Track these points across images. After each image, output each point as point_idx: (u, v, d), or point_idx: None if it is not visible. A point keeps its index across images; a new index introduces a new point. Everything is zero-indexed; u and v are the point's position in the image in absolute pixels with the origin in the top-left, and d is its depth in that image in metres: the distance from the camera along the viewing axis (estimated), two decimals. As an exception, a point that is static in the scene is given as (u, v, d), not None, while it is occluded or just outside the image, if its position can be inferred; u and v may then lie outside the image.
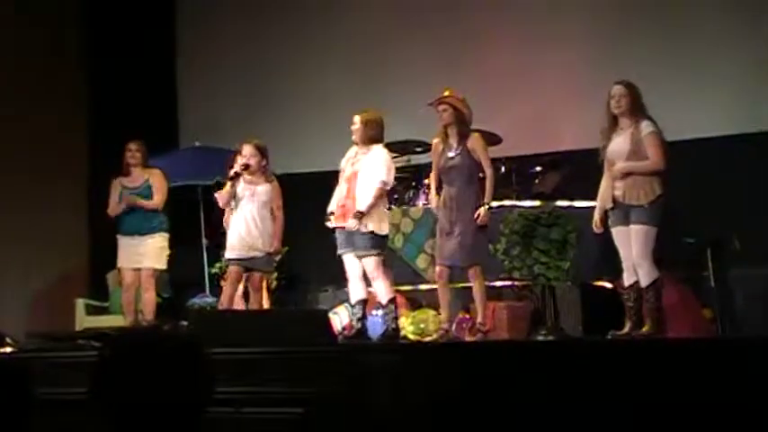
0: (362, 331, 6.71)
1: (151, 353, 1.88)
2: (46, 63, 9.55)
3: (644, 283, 5.93)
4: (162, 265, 7.68)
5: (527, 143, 8.33)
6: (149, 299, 7.60)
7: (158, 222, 7.62)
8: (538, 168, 7.94)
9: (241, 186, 7.06)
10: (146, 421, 1.85)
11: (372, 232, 6.59)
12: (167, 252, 7.67)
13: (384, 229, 6.65)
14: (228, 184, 7.08)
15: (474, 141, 6.57)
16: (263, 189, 7.05)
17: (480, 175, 6.62)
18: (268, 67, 9.87)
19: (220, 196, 7.13)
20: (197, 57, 10.30)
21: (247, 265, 7.01)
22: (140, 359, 1.88)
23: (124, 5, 9.94)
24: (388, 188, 6.73)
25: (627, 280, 6.06)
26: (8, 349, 7.18)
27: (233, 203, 7.08)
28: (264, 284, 7.38)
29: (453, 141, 6.58)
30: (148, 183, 7.68)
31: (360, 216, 6.51)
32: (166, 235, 7.66)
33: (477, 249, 6.51)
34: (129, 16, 9.92)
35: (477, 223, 6.46)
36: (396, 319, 6.67)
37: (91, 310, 9.04)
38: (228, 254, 7.07)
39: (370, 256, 6.61)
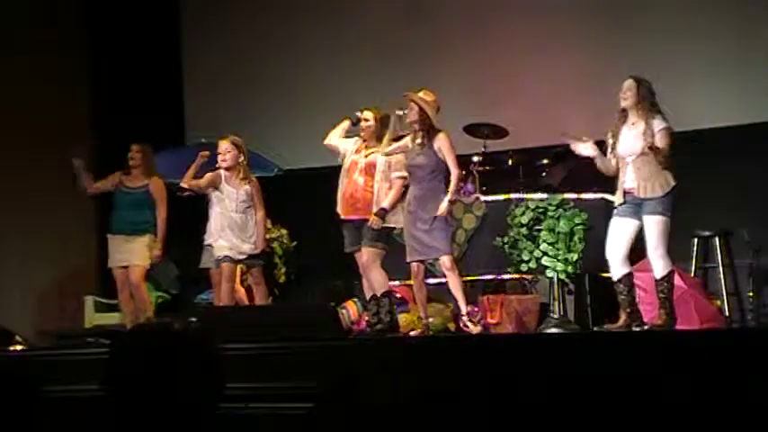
0: (394, 324, 6.72)
1: (161, 350, 1.88)
2: (49, 62, 9.54)
3: (659, 274, 5.93)
4: (145, 261, 7.49)
5: (533, 136, 8.30)
6: (142, 298, 7.49)
7: (147, 222, 7.50)
8: (545, 161, 7.91)
9: (222, 188, 7.07)
10: (157, 418, 1.84)
11: (385, 226, 6.62)
12: (156, 252, 7.51)
13: (398, 223, 6.67)
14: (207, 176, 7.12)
15: (440, 141, 6.50)
16: (243, 191, 7.07)
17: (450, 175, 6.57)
18: (273, 63, 9.86)
19: (197, 183, 7.17)
20: (202, 53, 10.29)
21: (238, 259, 7.07)
22: (151, 356, 1.87)
23: (129, 2, 9.94)
24: (406, 183, 6.73)
25: (615, 273, 6.05)
26: (18, 347, 7.20)
27: (214, 195, 7.10)
28: (263, 278, 7.37)
29: (419, 140, 6.55)
30: (147, 189, 7.55)
31: (383, 214, 6.56)
32: (155, 236, 7.54)
33: (445, 240, 6.45)
34: (133, 13, 9.92)
35: (440, 216, 6.42)
36: (390, 312, 6.66)
37: (100, 308, 9.04)
38: (218, 252, 7.07)
39: (375, 247, 6.63)
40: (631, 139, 5.98)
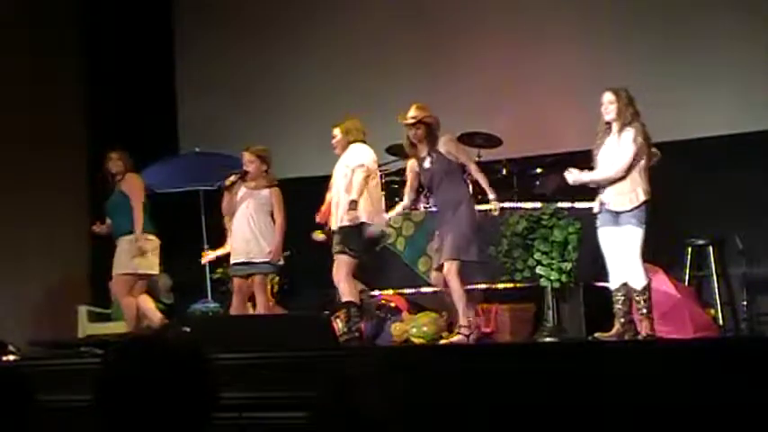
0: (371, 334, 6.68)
1: (154, 359, 1.88)
2: (44, 71, 9.53)
3: (636, 285, 5.92)
4: (127, 269, 7.37)
5: (527, 145, 8.32)
6: (125, 305, 7.41)
7: (127, 225, 7.41)
8: (538, 170, 7.93)
9: (241, 191, 7.15)
10: (149, 428, 1.84)
11: (359, 227, 6.55)
12: (144, 253, 7.36)
13: (374, 221, 6.60)
14: (225, 193, 7.19)
15: (444, 144, 6.53)
16: (263, 193, 7.14)
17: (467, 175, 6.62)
18: (268, 73, 9.86)
19: (223, 207, 7.28)
20: (196, 62, 10.30)
21: (248, 271, 7.09)
22: (143, 366, 1.87)
23: (123, 10, 9.94)
24: (371, 168, 6.63)
25: (613, 282, 6.05)
26: (11, 357, 7.18)
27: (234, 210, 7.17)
28: (265, 287, 7.34)
29: (424, 152, 6.57)
30: (120, 189, 7.50)
31: (354, 206, 6.48)
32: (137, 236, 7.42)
33: (457, 247, 6.35)
34: (127, 21, 9.92)
35: (463, 223, 6.40)
36: (351, 321, 6.57)
37: (93, 318, 9.02)
38: (232, 259, 7.18)
39: (344, 253, 6.57)
40: (608, 149, 6.02)
